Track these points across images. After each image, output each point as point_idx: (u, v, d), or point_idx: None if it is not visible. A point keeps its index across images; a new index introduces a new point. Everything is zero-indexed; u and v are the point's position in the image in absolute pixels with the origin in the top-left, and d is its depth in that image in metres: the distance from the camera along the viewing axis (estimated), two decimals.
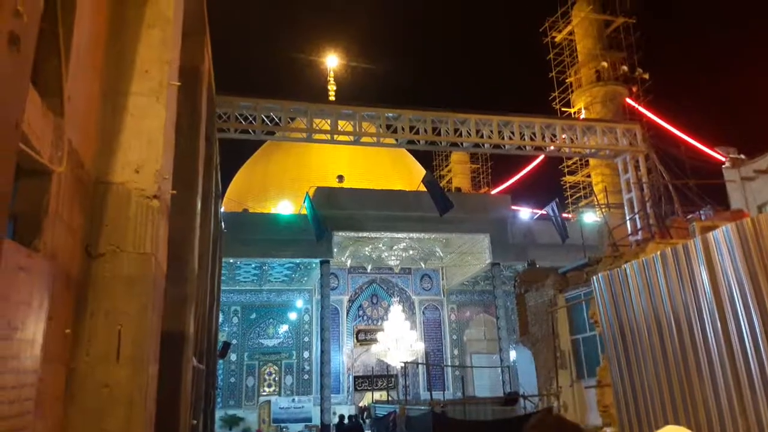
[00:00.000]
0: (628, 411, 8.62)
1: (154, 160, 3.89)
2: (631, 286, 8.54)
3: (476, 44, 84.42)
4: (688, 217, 19.06)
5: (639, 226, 20.81)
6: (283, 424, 26.28)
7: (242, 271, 27.58)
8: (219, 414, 25.57)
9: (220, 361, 24.77)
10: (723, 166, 20.34)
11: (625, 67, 33.26)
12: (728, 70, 58.52)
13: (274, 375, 29.44)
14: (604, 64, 33.67)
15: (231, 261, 24.63)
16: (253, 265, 26.70)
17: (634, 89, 32.27)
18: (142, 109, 4.04)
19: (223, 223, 16.63)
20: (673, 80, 60.69)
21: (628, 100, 31.97)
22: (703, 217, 17.96)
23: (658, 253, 8.07)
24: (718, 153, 22.05)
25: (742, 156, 20.10)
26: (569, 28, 34.89)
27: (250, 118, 19.62)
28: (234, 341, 28.64)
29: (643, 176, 21.93)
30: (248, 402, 28.66)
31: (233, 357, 28.68)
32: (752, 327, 6.58)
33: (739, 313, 6.76)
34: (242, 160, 38.65)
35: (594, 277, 9.44)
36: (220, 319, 24.27)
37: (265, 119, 19.88)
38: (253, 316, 29.89)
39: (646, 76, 32.16)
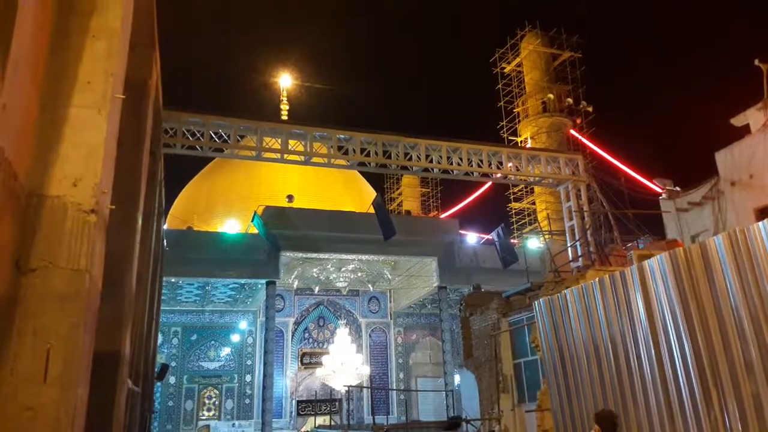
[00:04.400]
0: None
1: (93, 173, 3.78)
2: (570, 312, 8.77)
3: (430, 71, 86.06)
4: (627, 245, 19.78)
5: (580, 252, 21.44)
6: None
7: (184, 291, 26.85)
8: None
9: (158, 384, 23.94)
10: (660, 197, 21.23)
11: (570, 100, 34.49)
12: (667, 106, 61.56)
13: (214, 399, 28.61)
14: (551, 96, 34.82)
15: (173, 280, 23.96)
16: (195, 285, 26.05)
17: (578, 121, 33.52)
18: (82, 121, 3.93)
19: (165, 241, 16.20)
20: (615, 114, 63.30)
21: (572, 132, 33.16)
22: (640, 246, 18.64)
23: (597, 279, 8.32)
24: (656, 185, 23.02)
25: (678, 188, 21.06)
26: (518, 60, 36.01)
27: (198, 135, 19.32)
28: (173, 363, 27.76)
29: (584, 205, 22.67)
30: (186, 426, 27.72)
31: (172, 380, 27.76)
32: (683, 353, 6.85)
33: (671, 340, 7.02)
34: (189, 177, 37.96)
35: (536, 302, 9.64)
36: (159, 340, 23.54)
37: (214, 136, 19.62)
38: (194, 337, 29.07)
39: (590, 108, 33.46)
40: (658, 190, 21.81)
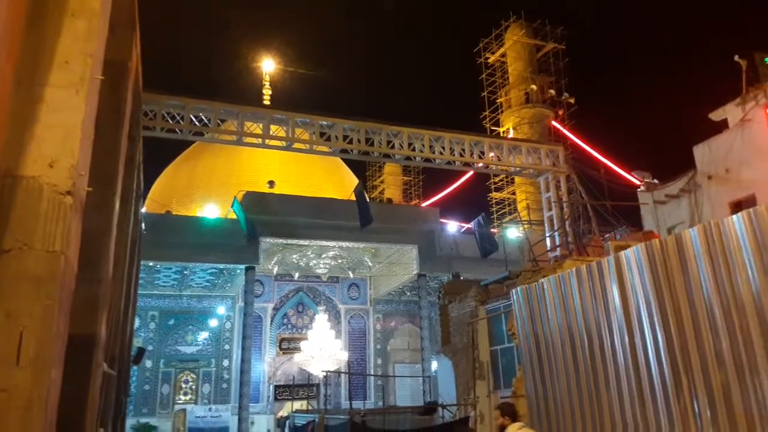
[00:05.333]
0: (541, 421, 8.92)
1: (70, 155, 3.73)
2: (547, 300, 8.86)
3: (415, 60, 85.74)
4: (604, 236, 20.04)
5: (558, 242, 21.67)
6: None
7: (162, 275, 26.67)
8: (131, 422, 24.54)
9: (134, 368, 23.81)
10: (638, 189, 21.52)
11: (552, 91, 34.63)
12: (649, 100, 62.21)
13: (191, 383, 28.54)
14: (534, 87, 34.94)
15: (150, 264, 23.78)
16: (173, 269, 25.87)
17: (560, 113, 33.71)
18: (59, 101, 3.86)
19: (143, 225, 16.04)
20: (597, 106, 63.82)
21: (554, 123, 33.35)
22: (618, 237, 18.89)
23: (574, 269, 8.42)
24: (635, 177, 23.33)
25: (656, 181, 21.35)
26: (502, 50, 36.03)
27: (178, 118, 19.09)
28: (150, 347, 27.61)
29: (563, 195, 22.89)
30: (162, 410, 27.65)
31: (148, 364, 27.62)
32: (656, 342, 6.98)
33: (645, 329, 7.15)
34: (168, 160, 37.55)
35: (513, 290, 9.73)
36: (136, 324, 23.40)
37: (194, 119, 19.41)
38: (172, 322, 28.92)
39: (572, 100, 33.65)
40: (637, 182, 22.10)
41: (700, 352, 6.41)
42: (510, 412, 6.48)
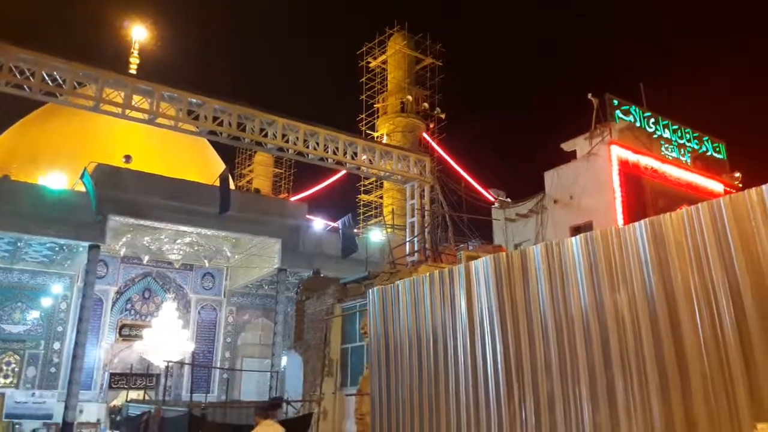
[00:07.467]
0: (382, 420, 9.11)
1: None
2: (401, 302, 9.09)
3: (300, 53, 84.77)
4: (459, 246, 21.07)
5: (416, 248, 22.44)
6: (16, 420, 23.09)
7: None
8: None
9: None
10: (492, 206, 22.92)
11: (426, 104, 36.00)
12: (513, 125, 66.49)
13: (13, 365, 25.81)
14: (409, 97, 36.05)
15: None
16: (6, 240, 23.29)
17: (431, 125, 35.10)
18: None
19: None
20: (465, 124, 67.08)
21: (425, 135, 34.64)
22: (470, 248, 19.94)
23: (428, 274, 8.72)
24: (491, 194, 24.80)
25: (509, 200, 22.86)
26: (383, 57, 36.78)
27: (28, 74, 17.28)
28: None
29: (426, 204, 23.78)
30: None
31: None
32: (494, 349, 7.40)
33: (486, 336, 7.55)
34: (13, 120, 33.76)
35: (370, 290, 9.87)
36: None
37: (47, 78, 17.66)
38: None
39: (443, 116, 35.22)
40: (492, 199, 23.52)
41: (532, 360, 6.89)
42: (262, 412, 7.90)
